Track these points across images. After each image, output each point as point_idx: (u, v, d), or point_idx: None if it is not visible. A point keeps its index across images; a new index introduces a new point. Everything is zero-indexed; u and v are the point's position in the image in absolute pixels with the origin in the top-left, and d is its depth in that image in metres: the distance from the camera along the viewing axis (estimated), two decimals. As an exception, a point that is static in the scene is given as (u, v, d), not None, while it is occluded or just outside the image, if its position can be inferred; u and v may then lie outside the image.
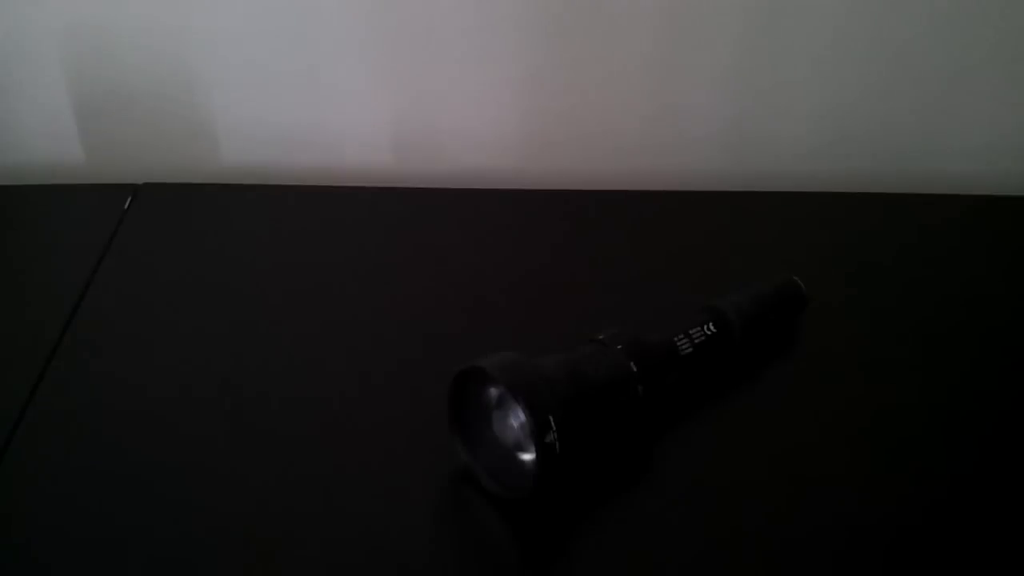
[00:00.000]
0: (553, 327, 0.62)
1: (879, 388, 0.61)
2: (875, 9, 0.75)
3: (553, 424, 0.48)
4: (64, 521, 0.52)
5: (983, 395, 0.61)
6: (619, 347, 0.54)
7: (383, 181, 0.79)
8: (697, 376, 0.59)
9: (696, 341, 0.58)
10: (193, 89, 0.79)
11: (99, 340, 0.63)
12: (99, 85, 0.79)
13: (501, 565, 0.52)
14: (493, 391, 0.53)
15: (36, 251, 0.72)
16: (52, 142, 0.82)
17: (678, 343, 0.57)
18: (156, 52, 0.78)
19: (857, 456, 0.56)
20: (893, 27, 0.76)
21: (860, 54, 0.77)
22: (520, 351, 0.51)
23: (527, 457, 0.52)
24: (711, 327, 0.59)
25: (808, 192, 0.79)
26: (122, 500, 0.53)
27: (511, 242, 0.73)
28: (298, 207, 0.76)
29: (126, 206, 0.75)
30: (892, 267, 0.71)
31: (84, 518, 0.52)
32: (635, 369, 0.54)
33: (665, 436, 0.57)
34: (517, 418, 0.52)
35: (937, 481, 0.55)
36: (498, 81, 0.79)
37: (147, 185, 0.77)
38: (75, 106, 0.80)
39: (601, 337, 0.55)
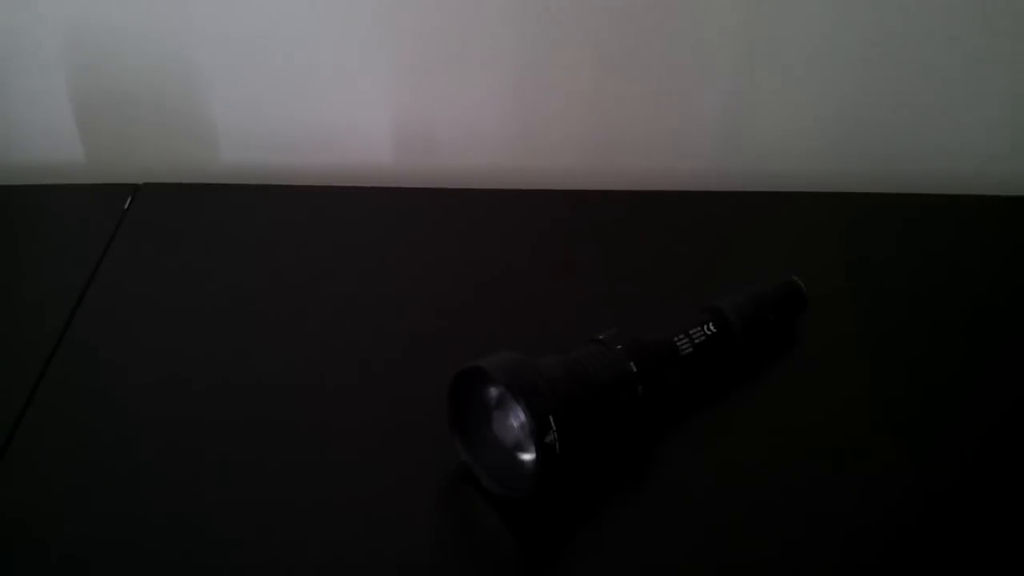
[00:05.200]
0: (553, 327, 0.62)
1: (879, 388, 0.61)
2: (875, 9, 0.75)
3: (553, 424, 0.48)
4: (64, 520, 0.52)
5: (983, 395, 0.61)
6: (619, 347, 0.54)
7: (383, 181, 0.79)
8: (697, 376, 0.59)
9: (696, 341, 0.58)
10: (193, 89, 0.79)
11: (99, 340, 0.63)
12: (99, 85, 0.79)
13: (501, 565, 0.52)
14: (493, 391, 0.53)
15: (36, 251, 0.72)
16: (52, 142, 0.82)
17: (678, 343, 0.57)
18: (156, 52, 0.78)
19: (857, 456, 0.56)
20: (893, 27, 0.76)
21: (860, 54, 0.77)
22: (520, 351, 0.51)
23: (527, 457, 0.52)
24: (711, 327, 0.59)
25: (808, 192, 0.79)
26: (121, 498, 0.53)
27: (511, 242, 0.73)
28: (298, 207, 0.76)
29: (126, 206, 0.75)
30: (892, 267, 0.71)
31: (84, 516, 0.52)
32: (635, 369, 0.54)
33: (665, 436, 0.57)
34: (517, 418, 0.52)
35: (937, 480, 0.55)
36: (497, 81, 0.79)
37: (147, 185, 0.77)
38: (75, 106, 0.80)
39: (601, 337, 0.55)
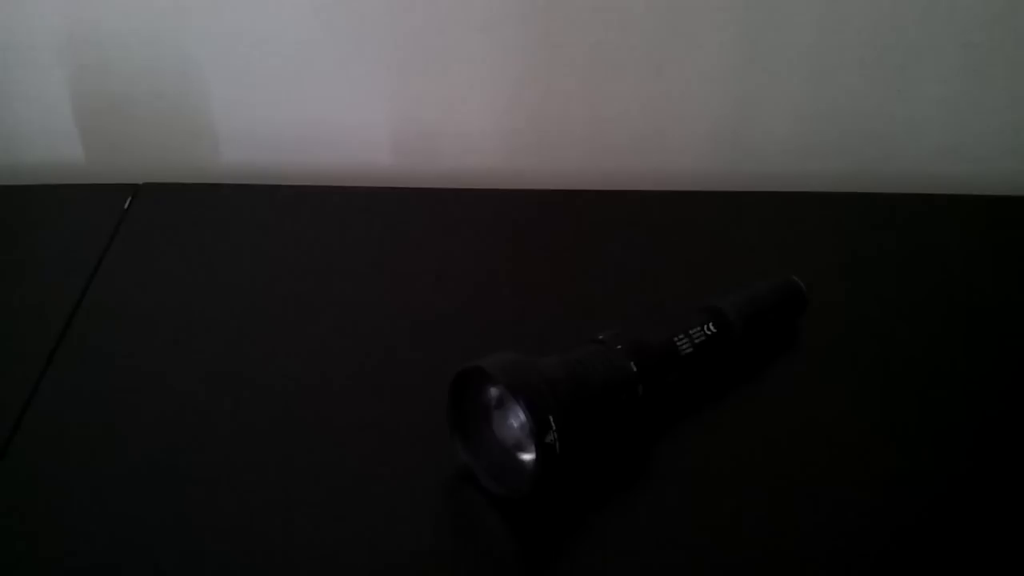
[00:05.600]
0: (553, 327, 0.62)
1: (878, 388, 0.61)
2: (875, 9, 0.75)
3: (553, 424, 0.48)
4: (64, 520, 0.52)
5: (982, 394, 0.61)
6: (619, 347, 0.54)
7: (383, 181, 0.79)
8: (697, 376, 0.59)
9: (696, 341, 0.58)
10: (193, 89, 0.79)
11: (99, 340, 0.63)
12: (99, 85, 0.79)
13: (501, 565, 0.52)
14: (493, 391, 0.53)
15: (36, 251, 0.72)
16: (52, 142, 0.82)
17: (678, 343, 0.57)
18: (156, 52, 0.78)
19: (857, 456, 0.56)
20: (891, 27, 0.76)
21: (860, 54, 0.77)
22: (520, 351, 0.51)
23: (527, 457, 0.52)
24: (711, 327, 0.59)
25: (808, 192, 0.79)
26: (121, 498, 0.53)
27: (511, 242, 0.73)
28: (298, 207, 0.76)
29: (126, 206, 0.75)
30: (892, 267, 0.71)
31: (84, 516, 0.52)
32: (635, 369, 0.54)
33: (665, 436, 0.57)
34: (517, 418, 0.52)
35: (937, 480, 0.55)
36: (497, 81, 0.79)
37: (147, 185, 0.78)
38: (75, 106, 0.80)
39: (601, 337, 0.55)
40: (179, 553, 0.50)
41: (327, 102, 0.81)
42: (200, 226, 0.75)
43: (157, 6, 0.75)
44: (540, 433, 0.48)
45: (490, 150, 0.83)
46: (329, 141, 0.82)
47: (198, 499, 0.53)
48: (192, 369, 0.61)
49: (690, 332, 0.58)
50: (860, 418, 0.59)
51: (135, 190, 0.77)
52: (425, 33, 0.77)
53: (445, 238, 0.73)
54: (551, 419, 0.48)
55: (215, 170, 0.83)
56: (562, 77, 0.79)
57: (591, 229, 0.75)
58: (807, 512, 0.53)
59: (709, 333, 0.58)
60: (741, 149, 0.83)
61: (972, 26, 0.76)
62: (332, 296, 0.67)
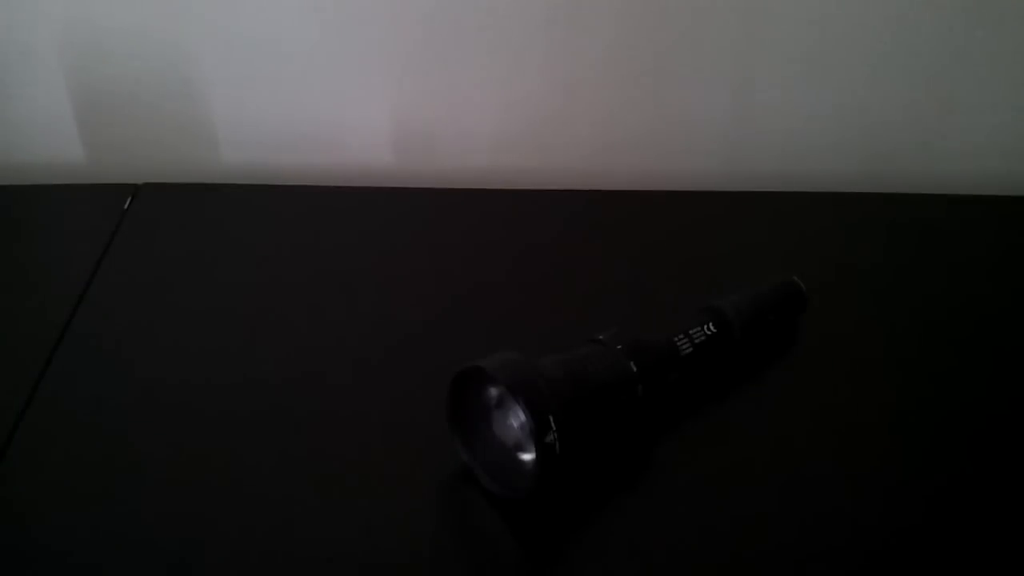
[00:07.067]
0: (553, 327, 0.62)
1: (878, 388, 0.61)
2: (874, 9, 0.75)
3: (553, 424, 0.48)
4: (65, 518, 0.52)
5: (982, 394, 0.61)
6: (619, 347, 0.54)
7: (383, 181, 0.79)
8: (697, 376, 0.59)
9: (696, 341, 0.58)
10: (193, 89, 0.79)
11: (99, 340, 0.63)
12: (99, 85, 0.79)
13: (501, 565, 0.52)
14: (493, 391, 0.53)
15: (36, 251, 0.72)
16: (52, 142, 0.82)
17: (678, 343, 0.57)
18: (156, 52, 0.78)
19: (857, 455, 0.56)
20: (892, 27, 0.76)
21: (861, 55, 0.77)
22: (520, 351, 0.51)
23: (527, 457, 0.52)
24: (711, 327, 0.59)
25: (808, 192, 0.79)
26: (121, 497, 0.53)
27: (511, 242, 0.73)
28: (298, 207, 0.76)
29: (126, 206, 0.75)
30: (892, 267, 0.71)
31: (85, 515, 0.52)
32: (635, 369, 0.54)
33: (665, 436, 0.57)
34: (517, 418, 0.52)
35: (936, 480, 0.55)
36: (498, 81, 0.79)
37: (147, 185, 0.78)
38: (75, 106, 0.80)
39: (601, 337, 0.55)
40: (179, 552, 0.50)
41: (327, 102, 0.81)
42: (200, 226, 0.75)
43: (158, 6, 0.75)
44: (540, 433, 0.48)
45: (490, 150, 0.83)
46: (329, 141, 0.82)
47: (197, 499, 0.53)
48: (192, 369, 0.61)
49: (690, 332, 0.58)
50: (860, 418, 0.59)
51: (135, 190, 0.77)
52: (425, 33, 0.77)
53: (445, 238, 0.73)
54: (551, 419, 0.48)
55: (215, 170, 0.83)
56: (562, 77, 0.79)
57: (591, 229, 0.75)
58: (806, 511, 0.53)
59: (709, 333, 0.58)
60: (741, 149, 0.83)
61: (972, 26, 0.76)
62: (332, 296, 0.67)
